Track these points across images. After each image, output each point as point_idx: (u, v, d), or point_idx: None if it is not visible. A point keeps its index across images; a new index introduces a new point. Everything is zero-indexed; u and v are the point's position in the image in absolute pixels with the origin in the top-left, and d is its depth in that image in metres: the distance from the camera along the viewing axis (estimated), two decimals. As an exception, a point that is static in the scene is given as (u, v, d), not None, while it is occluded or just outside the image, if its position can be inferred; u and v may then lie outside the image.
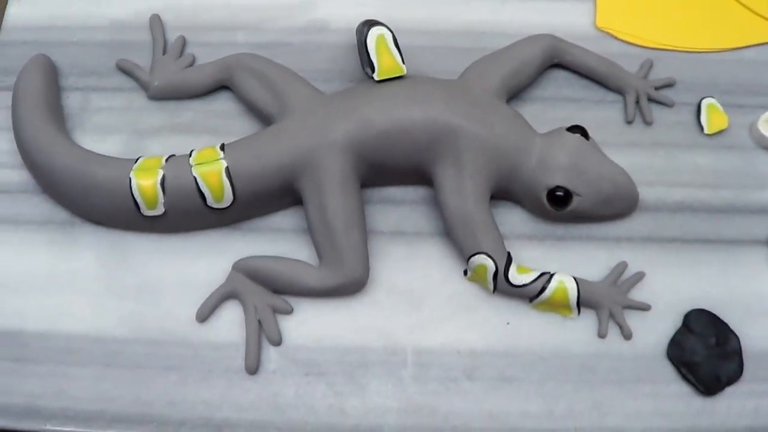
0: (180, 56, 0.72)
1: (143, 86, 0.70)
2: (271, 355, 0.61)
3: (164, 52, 0.72)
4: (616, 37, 0.74)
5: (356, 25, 0.69)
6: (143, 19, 0.74)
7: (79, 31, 0.74)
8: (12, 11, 0.74)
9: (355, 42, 0.69)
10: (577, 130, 0.64)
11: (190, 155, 0.62)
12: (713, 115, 0.70)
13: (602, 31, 0.74)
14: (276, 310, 0.62)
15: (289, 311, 0.62)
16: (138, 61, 0.72)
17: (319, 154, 0.61)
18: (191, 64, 0.71)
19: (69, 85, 0.71)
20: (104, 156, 0.64)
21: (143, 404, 0.60)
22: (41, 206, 0.66)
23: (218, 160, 0.61)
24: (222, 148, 0.62)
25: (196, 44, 0.73)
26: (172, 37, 0.73)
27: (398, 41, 0.65)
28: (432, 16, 0.75)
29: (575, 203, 0.62)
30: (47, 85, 0.68)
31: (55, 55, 0.72)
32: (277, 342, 0.61)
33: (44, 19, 0.74)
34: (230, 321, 0.62)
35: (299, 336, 0.62)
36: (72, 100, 0.70)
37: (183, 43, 0.72)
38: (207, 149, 0.62)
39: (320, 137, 0.61)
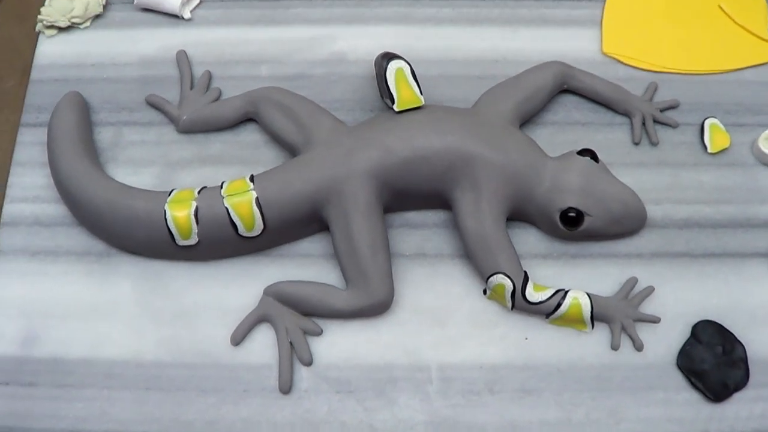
0: (206, 91, 0.77)
1: (173, 121, 0.76)
2: (303, 374, 0.67)
3: (191, 87, 0.77)
4: (622, 62, 0.80)
5: (373, 57, 0.74)
6: (170, 55, 0.80)
7: (109, 67, 0.80)
8: (42, 50, 0.80)
9: (373, 73, 0.74)
10: (587, 153, 0.69)
11: (222, 187, 0.68)
12: (716, 135, 0.76)
13: (609, 56, 0.81)
14: (306, 332, 0.68)
15: (318, 332, 0.68)
16: (166, 96, 0.78)
17: (344, 182, 0.67)
18: (217, 98, 0.77)
19: (101, 121, 0.77)
20: (138, 189, 0.69)
21: (184, 424, 0.65)
22: (79, 238, 0.72)
23: (248, 191, 0.67)
24: (251, 179, 0.68)
25: (221, 78, 0.79)
26: (197, 71, 0.79)
27: (415, 72, 0.70)
28: (446, 45, 0.81)
29: (587, 223, 0.68)
30: (80, 122, 0.73)
31: (86, 91, 0.78)
32: (309, 362, 0.67)
33: (74, 57, 0.80)
34: (263, 343, 0.68)
35: (329, 355, 0.68)
36: (104, 135, 0.76)
37: (209, 77, 0.78)
38: (237, 181, 0.68)
39: (345, 167, 0.67)
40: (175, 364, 0.67)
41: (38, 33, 0.81)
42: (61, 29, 0.80)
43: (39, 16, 0.79)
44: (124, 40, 0.81)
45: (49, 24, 0.79)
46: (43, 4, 0.82)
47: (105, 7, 0.82)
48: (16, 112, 0.77)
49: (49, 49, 0.80)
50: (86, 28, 0.81)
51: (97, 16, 0.81)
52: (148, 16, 0.82)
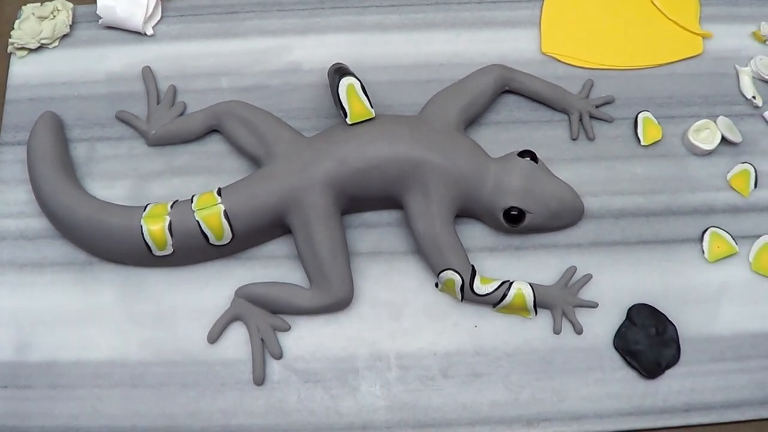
0: (173, 105, 0.89)
1: (142, 135, 0.88)
2: (274, 367, 0.80)
3: (158, 102, 0.89)
4: (560, 61, 0.92)
5: (326, 66, 0.87)
6: (136, 70, 0.92)
7: (79, 85, 0.91)
8: (14, 71, 0.92)
9: (327, 81, 0.86)
10: (527, 154, 0.82)
11: (192, 201, 0.80)
12: (649, 128, 0.88)
13: (547, 55, 0.92)
14: (276, 329, 0.81)
15: (287, 329, 0.81)
16: (135, 110, 0.89)
17: (304, 192, 0.79)
18: (183, 112, 0.89)
19: (75, 137, 0.89)
20: (116, 205, 0.81)
21: (168, 417, 0.78)
22: (62, 249, 0.84)
23: (217, 204, 0.79)
24: (219, 192, 0.80)
25: (185, 91, 0.91)
26: (162, 85, 0.90)
27: (365, 78, 0.82)
28: (393, 51, 0.93)
29: (528, 220, 0.81)
30: (57, 141, 0.85)
31: (59, 109, 0.89)
32: (279, 356, 0.80)
33: (45, 77, 0.91)
34: (237, 340, 0.81)
35: (297, 349, 0.81)
36: (79, 151, 0.88)
37: (174, 91, 0.90)
38: (206, 194, 0.80)
39: (303, 178, 0.79)
40: (158, 363, 0.80)
41: (10, 54, 0.92)
42: (31, 50, 0.91)
43: (10, 39, 0.91)
44: (92, 58, 0.92)
45: (20, 46, 0.90)
46: (11, 25, 0.92)
47: (71, 26, 0.93)
48: (-6, 130, 0.90)
49: (21, 70, 0.92)
50: (54, 47, 0.92)
51: (65, 36, 0.92)
52: (112, 34, 0.94)
